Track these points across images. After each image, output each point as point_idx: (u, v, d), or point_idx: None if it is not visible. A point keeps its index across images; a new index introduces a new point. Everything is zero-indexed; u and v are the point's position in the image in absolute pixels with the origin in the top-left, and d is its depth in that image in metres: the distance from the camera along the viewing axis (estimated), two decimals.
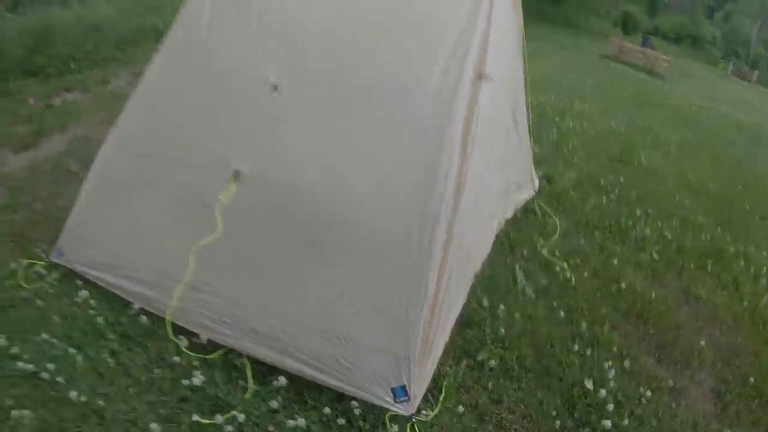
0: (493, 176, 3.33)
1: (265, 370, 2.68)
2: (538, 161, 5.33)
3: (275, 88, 2.93)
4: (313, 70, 2.93)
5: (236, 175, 2.86)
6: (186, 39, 3.31)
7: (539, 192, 4.94)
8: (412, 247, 2.53)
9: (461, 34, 2.72)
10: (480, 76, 2.71)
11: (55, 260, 3.26)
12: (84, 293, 3.02)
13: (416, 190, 2.57)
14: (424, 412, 2.56)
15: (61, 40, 9.66)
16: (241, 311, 2.69)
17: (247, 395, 2.56)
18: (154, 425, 2.38)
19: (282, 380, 2.62)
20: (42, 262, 3.33)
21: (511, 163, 3.87)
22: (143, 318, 2.90)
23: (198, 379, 2.58)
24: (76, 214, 3.30)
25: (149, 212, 3.06)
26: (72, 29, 10.21)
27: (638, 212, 5.32)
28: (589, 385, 3.00)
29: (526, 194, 4.56)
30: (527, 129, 4.23)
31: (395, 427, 2.46)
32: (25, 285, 3.19)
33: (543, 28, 20.82)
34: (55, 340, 2.78)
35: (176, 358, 2.70)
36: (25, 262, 3.37)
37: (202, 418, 2.42)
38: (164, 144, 3.16)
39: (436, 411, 2.60)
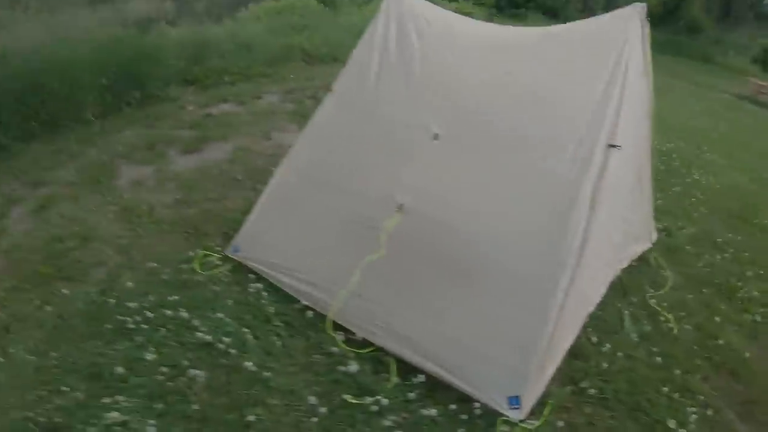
0: (615, 230, 3.71)
1: (407, 368, 3.18)
2: (659, 213, 5.47)
3: (436, 136, 3.53)
4: (469, 122, 3.50)
5: (400, 208, 3.46)
6: (356, 84, 3.96)
7: (656, 244, 5.11)
8: (538, 287, 3.01)
9: (598, 105, 3.20)
10: (611, 145, 3.15)
11: (230, 255, 3.95)
12: (257, 285, 3.67)
13: (549, 239, 3.05)
14: (530, 420, 2.98)
15: (216, 53, 10.79)
16: (393, 318, 3.25)
17: (390, 385, 3.10)
18: (311, 398, 2.96)
19: (420, 378, 3.13)
20: (216, 255, 4.04)
21: (632, 218, 4.20)
22: (308, 313, 3.51)
23: (351, 367, 3.14)
24: (252, 219, 4.01)
25: (320, 227, 3.70)
26: (226, 44, 11.35)
27: (749, 273, 5.36)
28: (671, 424, 3.28)
29: (643, 246, 4.79)
30: (650, 184, 4.51)
31: (506, 428, 2.91)
32: (200, 271, 3.92)
33: (678, 62, 20.29)
34: (229, 320, 3.44)
35: (334, 349, 3.28)
36: (201, 252, 4.12)
37: (351, 398, 2.99)
38: (336, 173, 3.82)
39: (540, 422, 3.00)
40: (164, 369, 3.10)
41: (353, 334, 3.35)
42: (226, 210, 4.80)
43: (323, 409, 2.94)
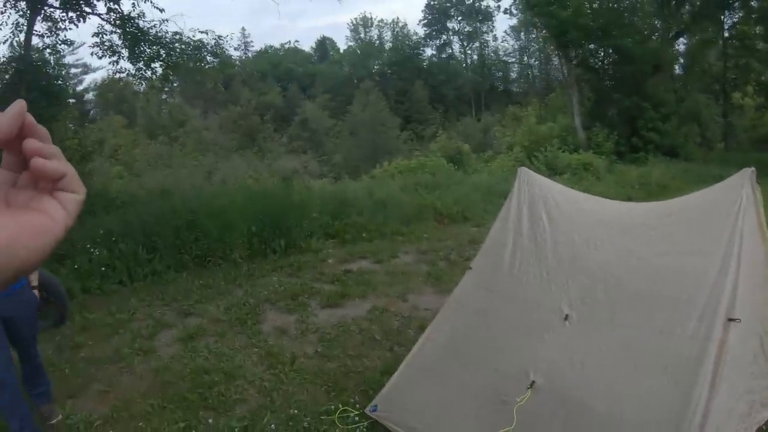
0: (737, 402, 3.58)
1: None
2: None
3: (566, 317, 3.76)
4: (597, 304, 3.71)
5: (532, 385, 3.61)
6: (492, 264, 4.36)
7: None
8: None
9: (716, 279, 3.34)
10: (730, 319, 3.22)
11: (369, 413, 4.19)
12: None
13: (671, 417, 3.10)
14: None
15: (355, 209, 11.73)
16: None
17: None
18: None
19: None
20: (355, 411, 4.30)
21: (756, 386, 3.99)
22: None
23: None
24: (393, 381, 4.28)
25: (457, 398, 3.91)
26: (364, 201, 12.33)
27: None
28: None
29: None
30: None
31: None
32: (339, 424, 4.17)
33: None
34: None
35: None
36: (342, 407, 4.39)
37: None
38: (473, 348, 4.09)
39: None
40: None
41: None
42: (364, 368, 5.11)
43: None
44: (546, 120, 25.90)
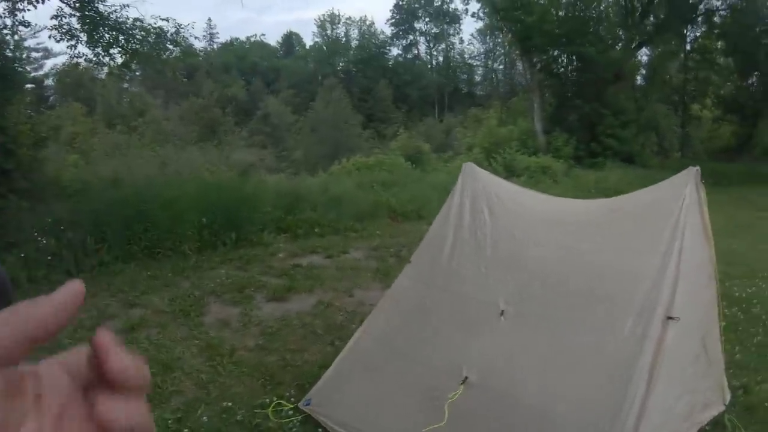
0: (677, 401, 3.57)
1: None
2: (737, 368, 5.13)
3: (502, 313, 3.71)
4: (533, 300, 3.69)
5: (465, 380, 3.57)
6: (431, 258, 4.33)
7: (733, 405, 4.60)
8: None
9: (655, 278, 3.32)
10: (669, 317, 3.18)
11: (301, 407, 4.15)
12: None
13: (606, 415, 3.05)
14: None
15: (309, 205, 11.63)
16: None
17: None
18: None
19: None
20: (290, 405, 4.25)
21: (698, 386, 3.98)
22: None
23: None
24: (327, 375, 4.23)
25: (389, 393, 3.85)
26: (319, 197, 12.23)
27: None
28: None
29: (714, 411, 4.40)
30: (719, 348, 4.28)
31: None
32: (273, 418, 4.11)
33: (762, 194, 17.37)
34: None
35: None
36: (276, 400, 4.34)
37: None
38: (408, 342, 4.05)
39: None
40: None
41: None
42: (303, 362, 5.05)
43: None
44: (507, 123, 26.08)
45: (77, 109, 18.79)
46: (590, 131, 23.18)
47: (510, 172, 17.56)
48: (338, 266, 8.30)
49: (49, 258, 8.19)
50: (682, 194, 3.55)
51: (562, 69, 26.37)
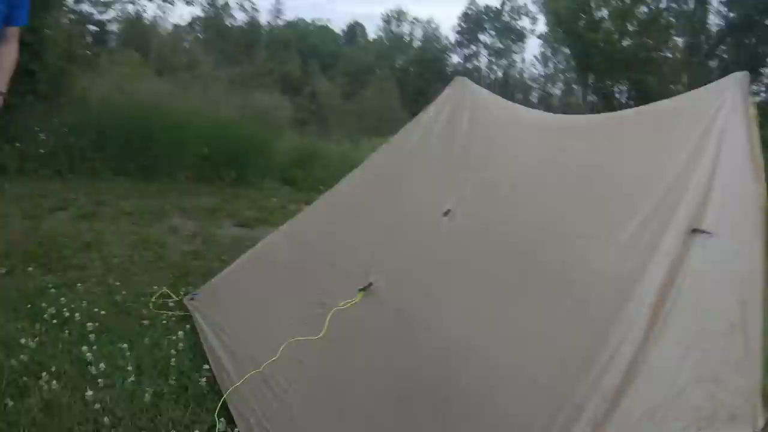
0: (693, 382, 2.02)
1: None
2: None
3: (447, 212, 2.74)
4: (496, 200, 2.71)
5: (368, 287, 2.63)
6: (385, 159, 3.54)
7: None
8: None
9: (677, 178, 2.13)
10: (696, 229, 1.98)
11: (185, 301, 3.47)
12: (181, 334, 3.03)
13: (565, 370, 1.82)
14: None
15: (323, 166, 10.92)
16: (291, 427, 2.22)
17: None
18: None
19: None
20: (176, 298, 3.60)
21: (727, 378, 2.23)
22: (203, 381, 2.65)
23: None
24: (224, 273, 3.52)
25: (273, 295, 3.06)
26: (336, 160, 11.47)
27: None
28: None
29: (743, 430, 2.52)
30: (759, 336, 2.43)
31: None
32: (151, 308, 3.45)
33: None
34: (128, 353, 2.82)
35: None
36: (165, 290, 3.72)
37: None
38: (324, 242, 3.23)
39: None
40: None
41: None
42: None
43: None
44: None
45: (134, 59, 18.55)
46: None
47: None
48: None
49: (41, 151, 7.81)
50: (723, 97, 2.31)
51: (619, 96, 24.60)
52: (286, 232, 3.55)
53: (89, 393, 2.40)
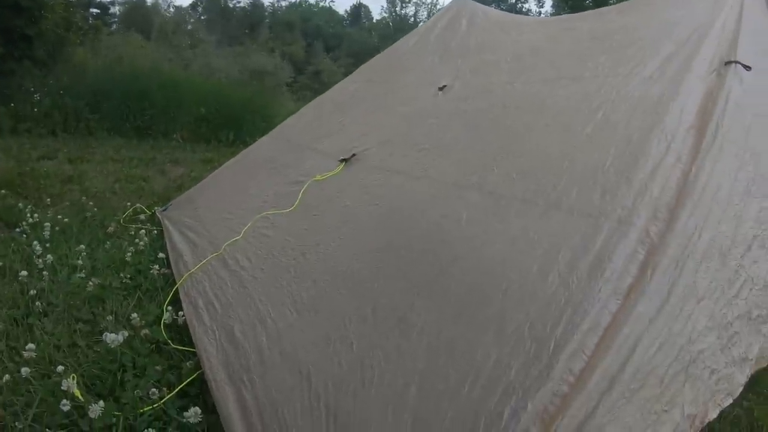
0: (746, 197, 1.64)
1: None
2: None
3: (442, 88, 2.54)
4: (496, 72, 2.48)
5: (350, 159, 2.39)
6: (379, 62, 3.45)
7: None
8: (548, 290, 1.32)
9: (700, 24, 1.89)
10: (731, 61, 1.71)
11: (158, 212, 3.16)
12: (146, 239, 2.75)
13: (573, 238, 1.43)
14: None
15: None
16: (244, 312, 1.84)
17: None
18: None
19: None
20: (148, 213, 3.34)
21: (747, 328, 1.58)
22: (158, 275, 2.38)
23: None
24: (200, 183, 3.28)
25: (248, 185, 2.78)
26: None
27: None
28: None
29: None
30: None
31: None
32: (121, 222, 3.17)
33: None
34: (84, 253, 2.54)
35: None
36: (138, 206, 3.46)
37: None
38: (312, 133, 2.97)
39: None
40: None
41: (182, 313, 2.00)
42: None
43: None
44: None
45: (135, 40, 18.18)
46: None
47: None
48: None
49: (35, 110, 7.49)
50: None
51: None
52: (271, 134, 3.40)
53: (23, 273, 2.19)
